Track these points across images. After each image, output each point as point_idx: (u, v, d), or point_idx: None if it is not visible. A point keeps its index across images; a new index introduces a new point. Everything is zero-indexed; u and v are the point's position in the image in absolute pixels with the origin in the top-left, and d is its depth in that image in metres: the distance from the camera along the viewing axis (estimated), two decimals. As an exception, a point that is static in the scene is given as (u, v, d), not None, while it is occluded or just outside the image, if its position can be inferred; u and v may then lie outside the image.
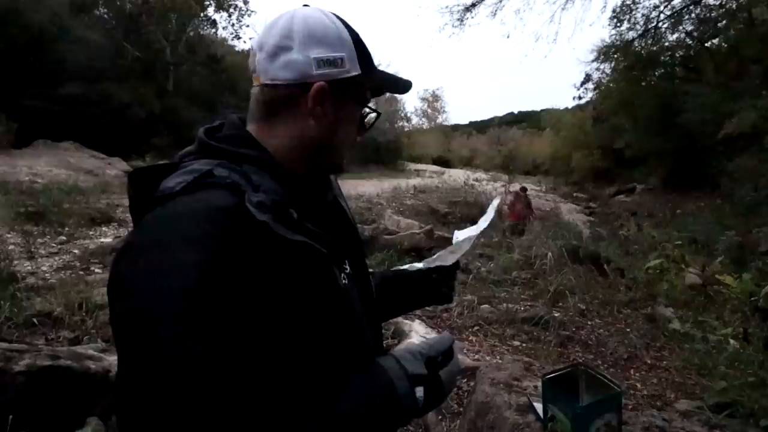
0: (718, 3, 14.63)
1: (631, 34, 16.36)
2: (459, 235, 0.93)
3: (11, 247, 5.11)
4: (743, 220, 9.23)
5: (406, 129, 40.09)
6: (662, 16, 15.55)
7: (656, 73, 17.98)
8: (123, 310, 0.47)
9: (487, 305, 4.39)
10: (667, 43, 16.84)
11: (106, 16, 20.38)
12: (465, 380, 2.85)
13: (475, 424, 1.72)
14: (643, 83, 18.06)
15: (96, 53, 16.18)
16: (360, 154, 22.02)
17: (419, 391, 0.57)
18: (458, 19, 16.05)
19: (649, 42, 16.24)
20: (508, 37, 64.60)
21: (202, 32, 23.04)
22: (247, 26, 23.66)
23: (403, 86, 0.71)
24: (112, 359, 2.20)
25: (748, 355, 2.98)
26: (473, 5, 15.78)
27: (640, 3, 15.64)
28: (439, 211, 10.83)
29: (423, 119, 50.53)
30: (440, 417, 2.48)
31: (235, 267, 0.49)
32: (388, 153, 29.27)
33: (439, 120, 52.65)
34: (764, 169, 9.56)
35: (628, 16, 16.13)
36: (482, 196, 13.64)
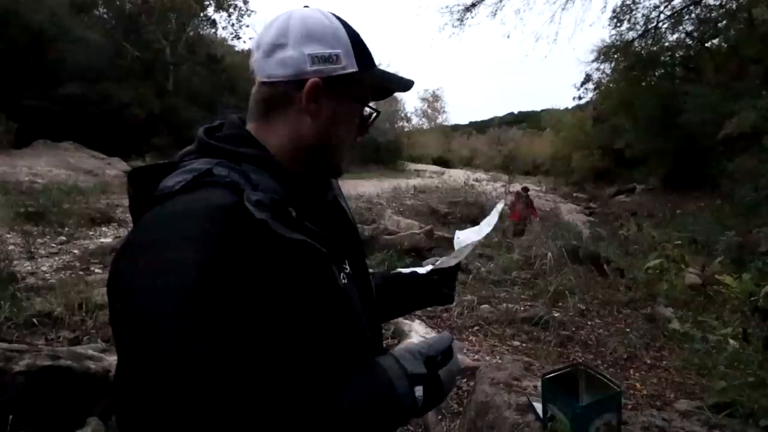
0: (718, 3, 14.66)
1: (632, 34, 16.39)
2: (460, 236, 0.93)
3: (11, 247, 5.10)
4: (743, 220, 9.23)
5: (406, 129, 40.08)
6: (662, 17, 15.57)
7: (656, 73, 17.99)
8: (122, 309, 0.47)
9: (487, 305, 4.39)
10: (667, 44, 16.85)
11: (105, 16, 20.38)
12: (465, 380, 2.85)
13: (475, 424, 1.72)
14: (644, 83, 18.07)
15: (96, 53, 16.18)
16: (360, 154, 22.04)
17: (418, 391, 0.57)
18: (458, 19, 16.08)
19: (650, 42, 16.25)
20: (508, 37, 64.79)
21: (201, 32, 23.03)
22: (247, 26, 23.70)
23: (404, 84, 0.70)
24: (112, 359, 2.21)
25: (748, 355, 2.98)
26: (473, 5, 15.80)
27: (640, 3, 15.67)
28: (439, 211, 10.83)
29: (423, 119, 50.58)
30: (440, 417, 2.47)
31: (235, 266, 0.49)
32: (388, 153, 29.28)
33: (439, 120, 52.69)
34: (764, 169, 9.56)
35: (628, 17, 16.15)
36: (482, 197, 13.65)
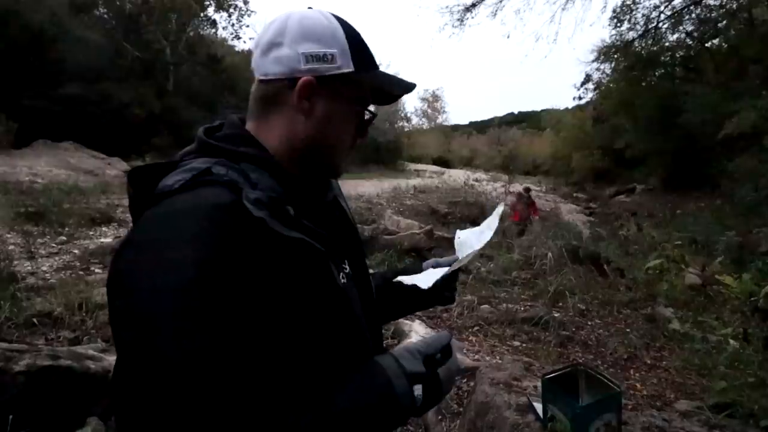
0: (718, 3, 14.65)
1: (632, 35, 16.38)
2: (461, 235, 0.92)
3: (11, 247, 5.11)
4: (743, 221, 9.23)
5: (406, 129, 40.09)
6: (662, 17, 15.56)
7: (656, 73, 17.98)
8: (122, 308, 0.47)
9: (487, 305, 4.39)
10: (667, 44, 16.84)
11: (105, 16, 20.38)
12: (465, 380, 2.85)
13: (475, 424, 1.72)
14: (644, 83, 18.06)
15: (96, 53, 16.18)
16: (360, 154, 22.05)
17: (417, 390, 0.56)
18: (458, 19, 16.07)
19: (650, 42, 16.24)
20: (508, 37, 64.86)
21: (202, 32, 23.05)
22: (247, 26, 23.72)
23: (405, 87, 0.69)
24: (112, 359, 2.20)
25: (748, 355, 2.99)
26: (473, 5, 15.79)
27: (640, 3, 15.66)
28: (439, 211, 10.83)
29: (423, 119, 50.63)
30: (440, 417, 2.47)
31: (233, 264, 0.49)
32: (388, 153, 29.27)
33: (439, 120, 52.74)
34: (764, 169, 9.56)
35: (628, 17, 16.14)
36: (482, 197, 13.64)
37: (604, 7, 31.82)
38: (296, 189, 0.62)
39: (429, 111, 50.70)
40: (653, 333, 3.93)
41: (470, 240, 0.90)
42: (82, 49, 15.54)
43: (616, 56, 17.67)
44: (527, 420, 1.52)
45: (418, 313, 3.78)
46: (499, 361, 2.72)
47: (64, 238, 5.88)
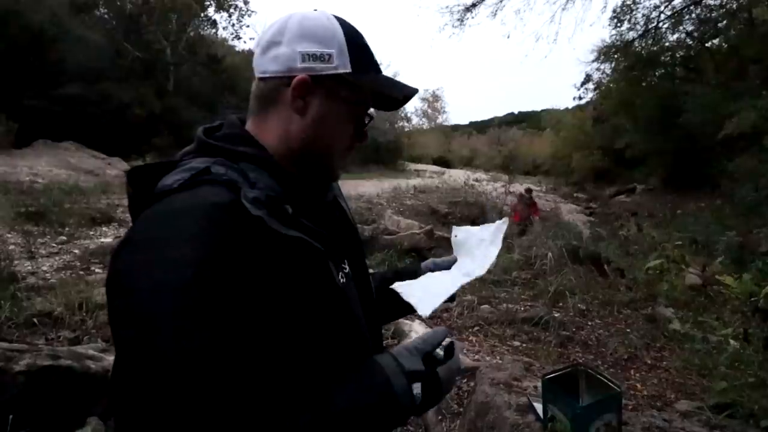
0: (718, 3, 14.63)
1: (632, 35, 16.36)
2: (458, 233, 0.92)
3: (12, 247, 5.11)
4: (743, 221, 9.22)
5: (406, 129, 40.06)
6: (662, 17, 15.55)
7: (656, 73, 17.96)
8: (121, 307, 0.47)
9: (487, 305, 4.39)
10: (667, 44, 16.82)
11: (106, 16, 20.40)
12: (465, 380, 2.85)
13: (475, 424, 1.72)
14: (644, 83, 18.05)
15: (96, 53, 16.19)
16: (360, 154, 22.04)
17: (416, 388, 0.56)
18: (458, 19, 16.05)
19: (650, 42, 16.22)
20: (508, 37, 64.97)
21: (202, 32, 23.06)
22: (248, 26, 23.75)
23: (405, 91, 0.67)
24: (112, 359, 2.19)
25: (749, 355, 2.98)
26: (473, 5, 15.78)
27: (640, 3, 15.65)
28: (439, 211, 10.83)
29: (423, 119, 50.56)
30: (440, 417, 2.47)
31: (232, 263, 0.49)
32: (388, 153, 29.26)
33: (439, 120, 52.69)
34: (764, 170, 9.55)
35: (628, 17, 16.12)
36: (482, 197, 13.63)
37: (604, 7, 31.84)
38: (295, 188, 0.62)
39: (429, 111, 50.71)
40: (653, 333, 3.93)
41: (469, 242, 0.90)
42: (83, 49, 15.54)
43: (616, 56, 17.65)
44: (527, 420, 1.52)
45: (418, 313, 3.78)
46: (500, 361, 2.72)
47: (65, 237, 5.88)
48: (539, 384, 1.56)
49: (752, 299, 3.71)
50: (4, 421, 1.74)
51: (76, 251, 5.30)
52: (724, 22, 14.79)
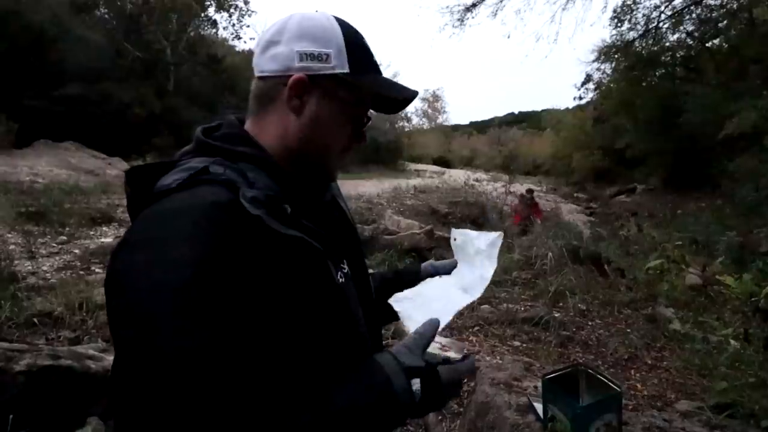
0: (719, 3, 14.63)
1: (632, 35, 16.36)
2: (456, 236, 0.92)
3: (12, 247, 5.11)
4: (744, 221, 9.21)
5: (406, 129, 40.10)
6: (663, 17, 15.55)
7: (657, 73, 17.95)
8: (120, 307, 0.47)
9: (487, 305, 4.39)
10: (667, 44, 16.82)
11: (106, 16, 20.41)
12: (465, 380, 2.84)
13: (475, 424, 1.72)
14: (644, 83, 18.04)
15: (96, 53, 16.19)
16: (360, 154, 22.05)
17: (415, 384, 0.55)
18: (459, 19, 16.06)
19: (650, 42, 16.22)
20: (508, 37, 65.11)
21: (202, 32, 23.08)
22: (248, 26, 23.76)
23: (405, 93, 0.66)
24: (112, 359, 2.20)
25: (749, 355, 2.98)
26: (474, 5, 15.79)
27: (640, 3, 15.65)
28: (439, 211, 10.82)
29: (423, 119, 50.60)
30: (440, 417, 2.47)
31: (231, 262, 0.49)
32: (388, 153, 29.27)
33: (440, 120, 52.73)
34: (765, 170, 9.55)
35: (628, 17, 16.12)
36: (482, 197, 13.63)
37: (605, 7, 31.74)
38: (294, 188, 0.62)
39: (429, 111, 50.73)
40: (654, 333, 3.93)
41: (467, 248, 0.89)
42: (83, 50, 15.55)
43: (616, 56, 17.65)
44: (527, 420, 1.52)
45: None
46: (500, 361, 2.72)
47: (65, 237, 5.88)
48: (539, 384, 1.56)
49: (753, 299, 3.71)
50: (4, 421, 1.75)
51: (77, 251, 5.30)
52: (725, 22, 14.79)
